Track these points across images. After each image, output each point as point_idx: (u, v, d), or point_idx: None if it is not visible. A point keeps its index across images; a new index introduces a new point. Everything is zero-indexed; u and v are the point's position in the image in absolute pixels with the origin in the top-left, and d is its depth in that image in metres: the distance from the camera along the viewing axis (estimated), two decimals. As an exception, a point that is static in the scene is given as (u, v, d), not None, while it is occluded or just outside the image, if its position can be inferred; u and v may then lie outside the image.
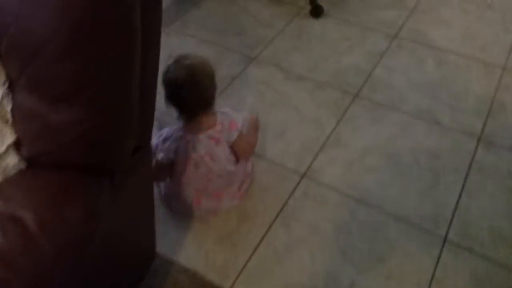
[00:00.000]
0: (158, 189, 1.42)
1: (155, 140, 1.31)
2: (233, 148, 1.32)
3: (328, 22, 2.11)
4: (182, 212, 1.40)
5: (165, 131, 1.33)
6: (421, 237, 1.35)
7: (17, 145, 0.75)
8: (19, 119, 0.72)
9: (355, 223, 1.39)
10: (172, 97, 1.25)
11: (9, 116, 0.73)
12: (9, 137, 0.75)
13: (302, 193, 1.46)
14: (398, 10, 2.18)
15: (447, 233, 1.36)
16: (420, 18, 2.14)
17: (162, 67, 1.08)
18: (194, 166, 1.29)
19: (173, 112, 1.29)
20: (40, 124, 0.70)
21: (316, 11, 2.11)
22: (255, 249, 1.33)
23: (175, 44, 1.97)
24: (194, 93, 1.25)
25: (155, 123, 0.98)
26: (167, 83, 1.25)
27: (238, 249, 1.33)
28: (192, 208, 1.37)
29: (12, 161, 0.75)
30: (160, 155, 1.28)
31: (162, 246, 1.31)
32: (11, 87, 0.70)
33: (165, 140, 1.30)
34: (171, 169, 1.31)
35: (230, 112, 1.34)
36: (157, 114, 0.96)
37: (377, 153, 1.57)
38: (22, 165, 0.76)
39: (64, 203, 0.69)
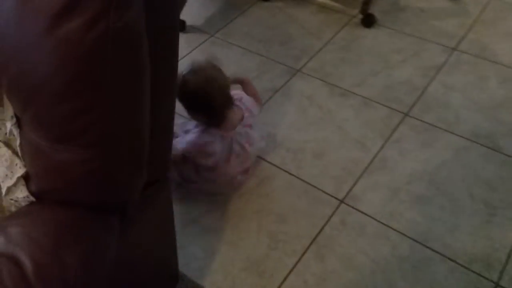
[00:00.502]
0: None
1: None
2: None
3: (380, 32, 1.98)
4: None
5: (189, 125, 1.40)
6: (469, 281, 1.21)
7: (26, 179, 0.72)
8: (27, 153, 0.69)
9: (396, 259, 1.27)
10: (198, 108, 1.31)
11: (18, 149, 0.70)
12: (19, 170, 0.72)
13: (339, 220, 1.36)
14: (459, 19, 2.01)
15: (499, 279, 1.21)
16: (484, 29, 1.96)
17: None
18: (237, 157, 1.36)
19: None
20: (45, 161, 0.67)
21: (368, 21, 1.99)
22: (284, 279, 1.25)
23: (219, 54, 1.92)
24: (218, 98, 1.29)
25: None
26: (189, 97, 1.27)
27: (266, 278, 1.25)
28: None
29: (21, 194, 0.73)
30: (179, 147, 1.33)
31: (188, 269, 1.27)
32: (19, 122, 0.67)
33: (187, 131, 1.38)
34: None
35: (240, 94, 1.44)
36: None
37: (425, 180, 1.44)
38: (32, 198, 0.73)
39: (64, 245, 0.65)
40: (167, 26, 0.77)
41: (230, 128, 1.34)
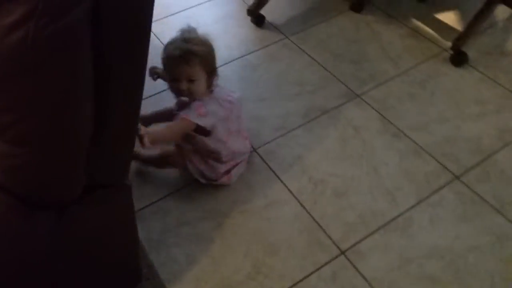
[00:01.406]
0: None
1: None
2: None
3: (468, 75, 1.72)
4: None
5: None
6: None
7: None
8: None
9: (374, 337, 1.12)
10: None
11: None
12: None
13: (331, 273, 1.23)
14: None
15: None
16: None
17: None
18: (230, 111, 1.36)
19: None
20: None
21: (458, 59, 1.74)
22: (249, 315, 1.18)
23: (283, 57, 1.84)
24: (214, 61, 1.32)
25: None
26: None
27: (232, 306, 1.19)
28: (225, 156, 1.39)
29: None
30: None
31: (163, 270, 1.25)
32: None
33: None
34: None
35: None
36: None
37: (445, 260, 1.24)
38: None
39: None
40: (130, 33, 0.73)
41: (207, 93, 1.34)
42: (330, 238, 1.30)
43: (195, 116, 1.28)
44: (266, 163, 1.49)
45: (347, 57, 1.82)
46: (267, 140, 1.56)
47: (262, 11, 2.00)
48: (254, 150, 1.53)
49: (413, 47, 1.84)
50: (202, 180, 1.41)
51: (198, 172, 1.40)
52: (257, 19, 1.99)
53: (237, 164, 1.43)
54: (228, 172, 1.42)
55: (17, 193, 0.74)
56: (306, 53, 1.85)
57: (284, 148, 1.53)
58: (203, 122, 1.29)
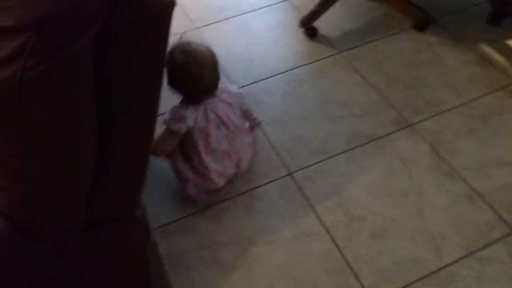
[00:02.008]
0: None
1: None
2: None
3: (540, 114, 1.53)
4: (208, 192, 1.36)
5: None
6: None
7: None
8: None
9: None
10: (195, 75, 1.26)
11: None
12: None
13: (358, 324, 1.12)
14: None
15: None
16: None
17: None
18: (216, 127, 1.30)
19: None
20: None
21: (529, 94, 1.56)
22: None
23: (333, 74, 1.72)
24: (213, 77, 1.29)
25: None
26: (191, 61, 1.25)
27: None
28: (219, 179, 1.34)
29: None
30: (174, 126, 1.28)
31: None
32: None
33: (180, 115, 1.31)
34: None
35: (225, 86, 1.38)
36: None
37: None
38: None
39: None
40: (140, 70, 0.65)
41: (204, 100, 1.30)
42: (361, 284, 1.18)
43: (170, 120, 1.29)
44: (301, 190, 1.39)
45: (402, 81, 1.68)
46: (305, 164, 1.45)
47: (316, 23, 1.89)
48: (289, 173, 1.43)
49: (478, 76, 1.67)
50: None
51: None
52: (310, 31, 1.88)
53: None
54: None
55: (17, 223, 0.69)
56: (358, 72, 1.73)
57: (322, 175, 1.42)
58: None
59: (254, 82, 1.73)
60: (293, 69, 1.77)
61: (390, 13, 1.94)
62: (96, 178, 0.70)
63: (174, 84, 1.28)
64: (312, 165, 1.45)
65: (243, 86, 1.69)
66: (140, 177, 0.77)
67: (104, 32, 0.59)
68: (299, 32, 1.90)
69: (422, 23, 1.86)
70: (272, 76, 1.74)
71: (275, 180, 1.42)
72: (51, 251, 0.73)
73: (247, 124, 1.39)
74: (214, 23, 1.99)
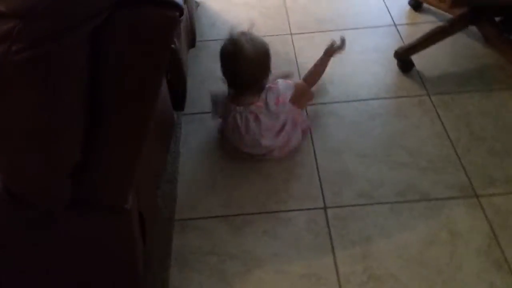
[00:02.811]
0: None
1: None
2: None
3: None
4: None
5: (217, 94, 1.45)
6: None
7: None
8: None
9: None
10: (232, 68, 1.32)
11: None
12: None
13: None
14: None
15: None
16: None
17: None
18: (232, 130, 1.39)
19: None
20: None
21: None
22: None
23: (412, 115, 1.57)
24: (251, 74, 1.31)
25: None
26: (236, 52, 1.29)
27: None
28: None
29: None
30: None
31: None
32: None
33: (214, 103, 1.47)
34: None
35: (278, 87, 1.38)
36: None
37: None
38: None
39: None
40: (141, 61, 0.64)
41: (236, 102, 1.37)
42: None
43: None
44: (329, 228, 1.30)
45: (488, 144, 1.48)
46: (343, 202, 1.36)
47: (414, 57, 1.75)
48: (323, 207, 1.35)
49: None
50: None
51: None
52: (404, 64, 1.74)
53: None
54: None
55: (8, 188, 0.74)
56: (441, 121, 1.56)
57: (356, 221, 1.31)
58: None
59: (326, 103, 1.65)
60: (372, 99, 1.66)
61: (502, 65, 1.72)
62: (83, 161, 0.72)
63: (222, 72, 1.36)
64: (351, 206, 1.35)
65: (313, 104, 1.63)
66: (127, 172, 0.78)
67: (102, 31, 0.59)
68: (394, 62, 1.77)
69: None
70: (346, 101, 1.65)
71: (307, 209, 1.35)
72: (41, 219, 0.77)
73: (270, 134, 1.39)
74: (309, 33, 1.94)
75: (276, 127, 1.38)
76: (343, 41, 1.57)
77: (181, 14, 0.63)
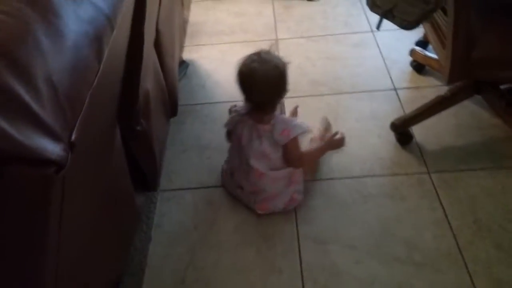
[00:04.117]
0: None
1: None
2: (283, 151, 1.37)
3: None
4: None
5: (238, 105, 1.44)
6: None
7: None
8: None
9: None
10: (245, 86, 1.32)
11: None
12: None
13: None
14: None
15: None
16: None
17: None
18: (237, 142, 1.40)
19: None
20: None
21: None
22: None
23: (410, 198, 1.40)
24: (265, 94, 1.33)
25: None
26: (248, 72, 1.30)
27: None
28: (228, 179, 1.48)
29: None
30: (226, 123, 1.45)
31: None
32: None
33: (232, 111, 1.45)
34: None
35: (291, 121, 1.39)
36: None
37: None
38: None
39: None
40: None
41: (250, 115, 1.37)
42: None
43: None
44: None
45: (494, 236, 1.30)
46: (327, 307, 1.20)
47: (414, 128, 1.60)
48: (304, 313, 1.19)
49: None
50: None
51: None
52: (402, 136, 1.59)
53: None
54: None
55: None
56: (442, 205, 1.40)
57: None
58: None
59: (315, 179, 1.51)
60: (365, 176, 1.51)
61: (512, 139, 1.56)
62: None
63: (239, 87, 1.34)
64: (334, 311, 1.19)
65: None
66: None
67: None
68: (392, 132, 1.62)
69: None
70: (338, 178, 1.51)
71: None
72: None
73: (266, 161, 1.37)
74: (301, 96, 1.81)
75: (273, 159, 1.37)
76: (343, 139, 1.50)
77: (60, 169, 0.52)
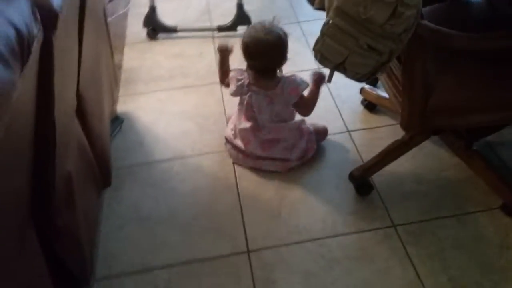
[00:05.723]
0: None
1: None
2: (295, 106, 1.56)
3: None
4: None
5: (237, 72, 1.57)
6: None
7: None
8: None
9: None
10: (251, 53, 1.46)
11: None
12: None
13: None
14: None
15: None
16: None
17: None
18: (250, 109, 1.54)
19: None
20: None
21: None
22: None
23: (378, 257, 1.27)
24: (270, 59, 1.47)
25: None
26: (255, 40, 1.44)
27: None
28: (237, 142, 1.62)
29: None
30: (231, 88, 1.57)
31: None
32: None
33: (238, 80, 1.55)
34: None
35: (296, 79, 1.52)
36: None
37: None
38: None
39: None
40: None
41: (256, 84, 1.51)
42: None
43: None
44: None
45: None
46: None
47: (373, 177, 1.49)
48: None
49: None
50: None
51: None
52: (361, 187, 1.47)
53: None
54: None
55: None
56: (413, 264, 1.28)
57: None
58: None
59: (271, 247, 1.35)
60: (328, 237, 1.37)
61: (475, 180, 1.47)
62: None
63: (243, 54, 1.48)
64: None
65: (255, 250, 1.33)
66: None
67: None
68: (350, 182, 1.50)
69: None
70: (297, 243, 1.36)
71: None
72: None
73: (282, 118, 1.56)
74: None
75: (284, 115, 1.55)
76: (321, 73, 1.58)
77: None
